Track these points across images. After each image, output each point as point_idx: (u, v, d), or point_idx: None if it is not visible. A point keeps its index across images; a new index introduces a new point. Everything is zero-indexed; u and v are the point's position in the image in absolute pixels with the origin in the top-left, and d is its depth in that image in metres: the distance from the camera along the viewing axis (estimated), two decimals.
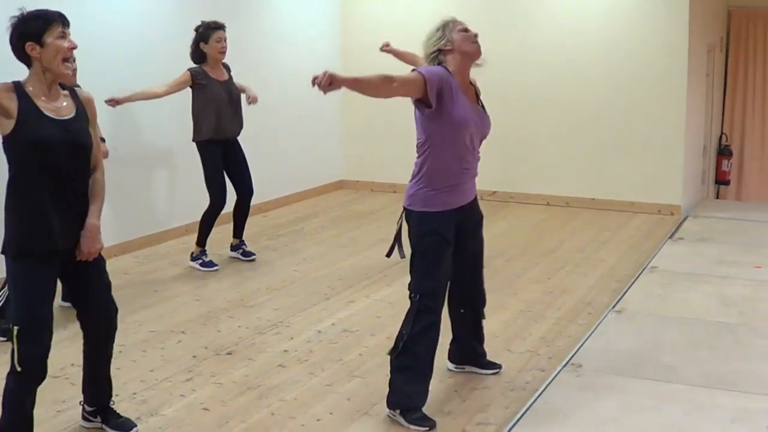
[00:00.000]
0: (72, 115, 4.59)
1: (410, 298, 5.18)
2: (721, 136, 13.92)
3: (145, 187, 9.21)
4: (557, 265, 8.66)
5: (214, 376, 5.85)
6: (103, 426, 5.05)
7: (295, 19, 11.53)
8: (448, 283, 5.28)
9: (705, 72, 12.24)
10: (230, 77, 8.54)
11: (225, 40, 8.32)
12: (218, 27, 8.28)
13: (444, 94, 4.94)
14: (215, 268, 8.48)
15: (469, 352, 5.89)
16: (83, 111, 4.67)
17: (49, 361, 4.55)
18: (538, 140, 11.63)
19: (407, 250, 5.30)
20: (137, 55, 8.93)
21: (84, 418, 5.11)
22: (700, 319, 6.84)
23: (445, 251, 5.15)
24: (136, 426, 5.07)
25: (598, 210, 11.20)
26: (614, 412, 5.20)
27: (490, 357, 5.95)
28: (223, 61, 8.48)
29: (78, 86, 4.93)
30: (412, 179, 5.19)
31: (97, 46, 8.26)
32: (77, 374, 5.58)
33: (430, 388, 5.22)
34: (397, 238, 5.36)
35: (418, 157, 5.16)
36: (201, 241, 8.55)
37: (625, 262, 8.77)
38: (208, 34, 8.24)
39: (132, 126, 7.83)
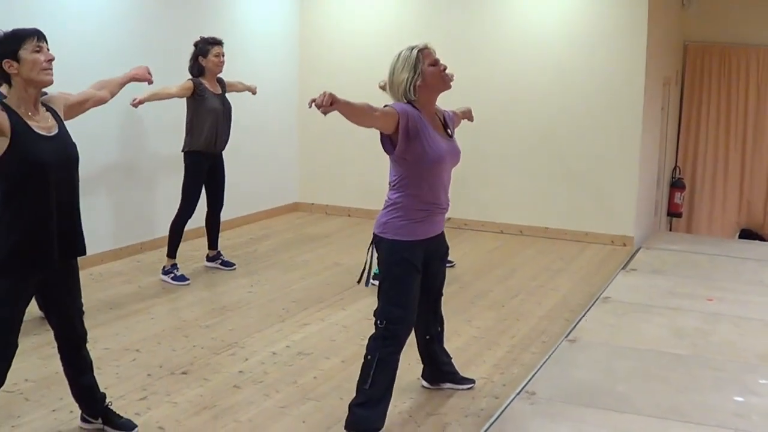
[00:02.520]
0: (57, 130, 4.67)
1: (375, 324, 5.17)
2: (674, 169, 14.07)
3: (98, 205, 9.14)
4: (511, 293, 8.70)
5: (169, 395, 5.82)
6: (105, 427, 5.16)
7: (251, 39, 11.52)
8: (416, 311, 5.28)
9: (660, 105, 12.37)
10: (223, 92, 8.79)
11: (223, 55, 8.64)
12: (216, 42, 8.63)
13: (416, 135, 4.96)
14: (187, 282, 8.55)
15: (444, 370, 6.00)
16: (61, 120, 4.76)
17: None
18: (492, 168, 11.69)
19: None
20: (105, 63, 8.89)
21: (83, 419, 5.20)
22: (653, 350, 6.89)
23: (415, 279, 5.17)
24: (136, 426, 5.19)
25: (552, 239, 11.26)
26: None
27: None
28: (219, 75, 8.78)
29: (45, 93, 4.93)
30: (384, 208, 5.19)
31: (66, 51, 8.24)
32: (31, 390, 5.64)
33: (387, 413, 5.23)
34: (368, 265, 5.33)
35: (391, 191, 5.15)
36: (172, 253, 8.62)
37: (578, 291, 8.83)
38: (207, 48, 8.58)
39: (84, 140, 7.71)
